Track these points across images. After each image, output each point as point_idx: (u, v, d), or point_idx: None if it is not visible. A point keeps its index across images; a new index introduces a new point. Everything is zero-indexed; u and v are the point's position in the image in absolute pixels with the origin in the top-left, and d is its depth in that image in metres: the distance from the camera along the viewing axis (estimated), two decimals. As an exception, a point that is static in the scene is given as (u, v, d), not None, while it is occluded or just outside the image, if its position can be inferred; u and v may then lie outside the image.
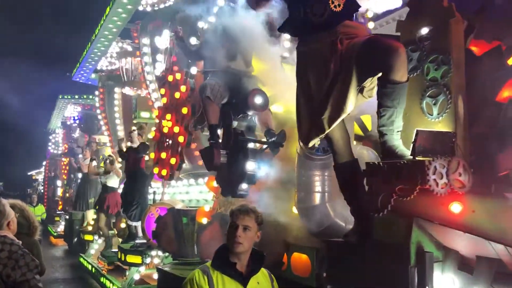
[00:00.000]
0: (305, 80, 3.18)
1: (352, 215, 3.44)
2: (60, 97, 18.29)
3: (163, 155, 6.53)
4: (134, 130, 8.26)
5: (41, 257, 3.86)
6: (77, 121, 17.77)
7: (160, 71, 7.24)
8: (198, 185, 7.27)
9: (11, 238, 3.02)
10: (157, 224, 6.47)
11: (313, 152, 4.35)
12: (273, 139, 4.39)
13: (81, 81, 14.44)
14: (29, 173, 34.17)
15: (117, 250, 8.97)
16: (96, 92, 11.66)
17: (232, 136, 4.52)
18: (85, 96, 17.58)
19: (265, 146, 4.60)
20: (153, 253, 7.40)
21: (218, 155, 4.43)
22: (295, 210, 4.80)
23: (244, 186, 4.38)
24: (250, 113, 4.62)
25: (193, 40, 5.29)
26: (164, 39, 6.99)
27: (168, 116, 6.61)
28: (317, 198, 4.50)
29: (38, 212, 14.17)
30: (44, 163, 25.86)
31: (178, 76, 6.46)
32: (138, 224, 7.71)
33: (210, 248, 5.13)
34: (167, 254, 7.42)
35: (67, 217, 17.52)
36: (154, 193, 7.87)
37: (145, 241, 7.26)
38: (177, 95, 6.40)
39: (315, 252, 4.44)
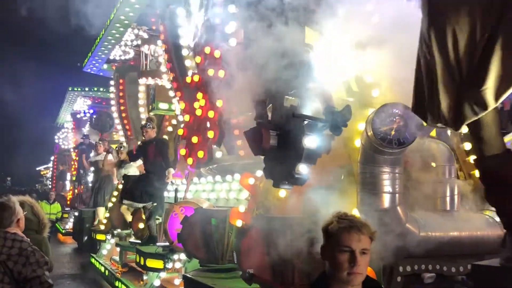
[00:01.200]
0: (442, 39, 2.23)
1: (506, 229, 2.63)
2: (70, 89, 17.62)
3: (194, 139, 5.87)
4: (147, 124, 7.59)
5: (50, 254, 3.83)
6: (87, 114, 17.07)
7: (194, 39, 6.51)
8: (225, 182, 6.55)
9: (20, 235, 3.05)
10: (183, 226, 5.75)
11: (385, 144, 3.61)
12: (335, 117, 3.59)
13: (92, 72, 13.75)
14: (37, 169, 33.65)
15: (134, 241, 8.30)
16: (112, 82, 10.91)
17: (284, 113, 3.74)
18: (95, 89, 16.89)
19: (322, 125, 3.78)
20: (175, 256, 6.69)
21: (268, 136, 3.65)
22: (356, 213, 4.05)
23: (302, 167, 3.58)
24: (308, 86, 3.83)
25: (232, 8, 4.56)
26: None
27: (200, 95, 5.90)
28: (386, 200, 3.76)
29: (53, 210, 13.50)
30: (52, 158, 25.26)
31: (217, 54, 5.67)
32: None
33: (251, 257, 4.40)
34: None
35: (76, 214, 16.91)
36: (176, 190, 7.15)
37: (167, 243, 6.54)
38: (210, 72, 5.67)
39: (382, 267, 3.70)
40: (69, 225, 18.75)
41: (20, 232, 3.13)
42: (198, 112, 5.84)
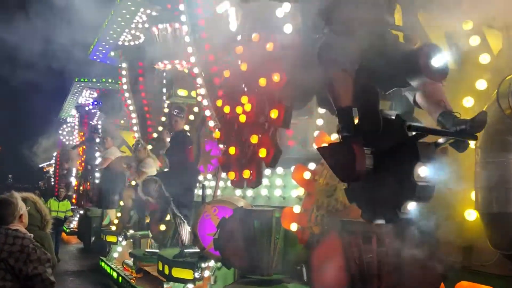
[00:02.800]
0: None
1: None
2: (76, 80, 16.57)
3: (232, 150, 4.62)
4: (177, 113, 6.56)
5: (53, 250, 3.81)
6: (95, 104, 16.03)
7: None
8: (265, 178, 5.57)
9: (23, 231, 3.03)
10: (220, 229, 4.77)
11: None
12: (462, 126, 2.50)
13: (98, 60, 12.73)
14: (40, 165, 32.63)
15: (151, 250, 7.33)
16: (124, 72, 9.86)
17: (379, 123, 2.68)
18: (103, 80, 15.86)
19: (442, 139, 2.64)
20: (203, 264, 5.72)
21: (362, 156, 2.62)
22: (469, 216, 3.07)
23: (410, 205, 2.56)
24: (414, 84, 2.74)
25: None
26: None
27: (245, 99, 4.55)
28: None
29: (62, 207, 12.48)
30: (55, 154, 24.21)
31: (269, 46, 4.33)
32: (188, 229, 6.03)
33: (326, 272, 3.41)
34: (219, 265, 5.74)
35: (82, 212, 15.97)
36: (204, 187, 6.15)
37: (197, 250, 5.57)
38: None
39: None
40: (74, 224, 17.90)
41: (22, 228, 3.09)
42: (242, 118, 4.54)
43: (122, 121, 12.09)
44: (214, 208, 5.34)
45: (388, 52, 2.90)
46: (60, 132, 22.95)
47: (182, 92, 8.17)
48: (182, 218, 5.99)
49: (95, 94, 17.86)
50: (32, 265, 2.87)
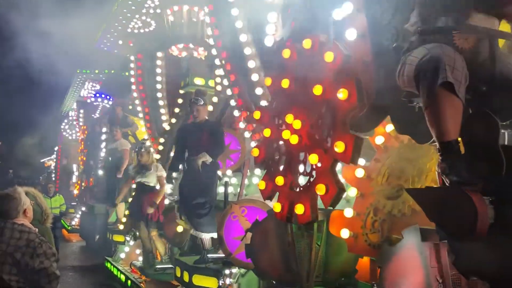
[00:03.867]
0: None
1: None
2: (78, 71, 15.87)
3: (279, 180, 3.51)
4: (197, 99, 5.78)
5: (53, 244, 3.70)
6: (99, 99, 15.36)
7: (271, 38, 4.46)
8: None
9: (28, 226, 3.06)
10: (253, 234, 4.14)
11: None
12: None
13: (105, 49, 12.05)
14: (41, 160, 31.99)
15: (163, 266, 6.69)
16: (133, 61, 9.19)
17: (502, 164, 1.96)
18: (106, 71, 15.18)
19: None
20: (227, 271, 5.10)
21: (484, 209, 1.90)
22: None
23: None
24: None
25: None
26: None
27: (290, 119, 3.39)
28: None
29: (55, 203, 11.87)
30: (56, 148, 23.57)
31: (329, 57, 3.12)
32: (206, 235, 5.36)
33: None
34: (243, 271, 5.12)
35: (84, 209, 15.31)
36: (226, 184, 5.52)
37: (221, 255, 4.93)
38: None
39: None
40: (76, 221, 17.27)
41: (27, 223, 3.09)
42: (294, 140, 3.39)
43: (130, 107, 11.46)
44: (243, 209, 4.71)
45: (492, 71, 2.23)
46: (62, 126, 22.31)
47: (198, 81, 7.53)
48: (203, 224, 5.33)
49: (98, 87, 17.17)
50: (38, 260, 2.89)
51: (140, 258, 9.18)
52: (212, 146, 5.51)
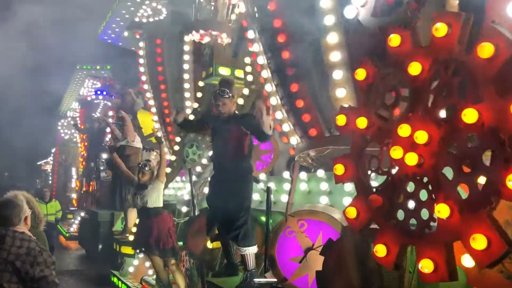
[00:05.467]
0: None
1: None
2: (78, 67, 14.83)
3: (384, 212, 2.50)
4: (224, 91, 4.61)
5: (47, 247, 3.52)
6: (100, 97, 14.28)
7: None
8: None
9: (28, 234, 3.04)
10: (326, 258, 3.15)
11: None
12: None
13: (110, 41, 11.05)
14: (38, 163, 30.80)
15: None
16: (141, 44, 8.17)
17: None
18: (108, 67, 14.14)
19: None
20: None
21: None
22: None
23: None
24: None
25: None
26: None
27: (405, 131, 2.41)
28: None
29: (51, 209, 10.86)
30: (53, 150, 22.45)
31: None
32: (251, 250, 4.29)
33: None
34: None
35: (83, 214, 14.27)
36: (269, 190, 4.51)
37: (272, 279, 3.91)
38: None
39: None
40: (74, 227, 16.23)
41: (27, 231, 3.08)
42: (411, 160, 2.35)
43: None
44: (302, 223, 3.71)
45: None
46: (59, 126, 21.24)
47: (224, 71, 6.53)
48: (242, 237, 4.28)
49: (99, 84, 16.15)
50: (39, 268, 2.89)
51: (150, 272, 8.18)
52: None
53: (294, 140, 4.57)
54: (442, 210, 2.18)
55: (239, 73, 6.58)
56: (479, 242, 1.99)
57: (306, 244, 3.69)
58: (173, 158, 7.40)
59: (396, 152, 2.44)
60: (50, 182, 22.99)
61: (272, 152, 6.43)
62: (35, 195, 15.81)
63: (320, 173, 4.61)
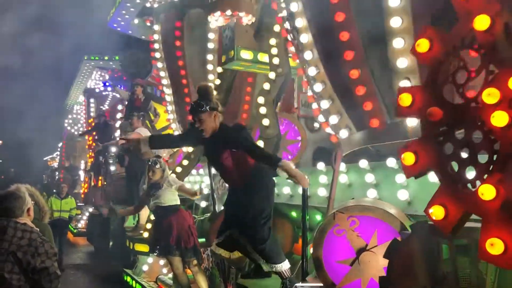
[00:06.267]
0: None
1: None
2: (86, 58, 14.33)
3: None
4: (198, 104, 3.76)
5: (53, 240, 4.01)
6: (108, 89, 13.79)
7: None
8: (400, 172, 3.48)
9: (30, 225, 3.06)
10: (391, 262, 2.65)
11: None
12: None
13: (119, 29, 10.55)
14: (44, 159, 30.46)
15: None
16: (156, 27, 7.61)
17: None
18: (117, 58, 13.64)
19: None
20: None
21: None
22: None
23: None
24: None
25: None
26: None
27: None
28: None
29: (65, 206, 10.41)
30: (60, 144, 22.03)
31: None
32: (285, 266, 3.73)
33: None
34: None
35: (91, 210, 13.85)
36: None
37: (317, 284, 3.42)
38: None
39: None
40: (82, 223, 15.84)
41: (29, 222, 3.10)
42: None
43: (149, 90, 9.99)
44: (353, 220, 3.21)
45: None
46: (66, 121, 20.81)
47: (246, 54, 6.01)
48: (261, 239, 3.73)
49: (107, 76, 15.67)
50: (40, 259, 2.91)
51: (165, 271, 7.72)
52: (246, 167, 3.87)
53: (345, 132, 4.02)
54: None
55: (262, 56, 6.07)
56: None
57: (358, 244, 3.20)
58: (190, 149, 6.90)
59: (499, 118, 1.89)
60: (56, 177, 22.62)
61: (299, 142, 5.95)
62: (43, 190, 15.41)
63: (363, 163, 4.10)
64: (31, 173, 30.70)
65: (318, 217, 4.63)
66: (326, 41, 3.70)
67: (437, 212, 2.16)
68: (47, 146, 28.02)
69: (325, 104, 3.90)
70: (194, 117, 3.74)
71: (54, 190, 11.24)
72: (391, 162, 3.80)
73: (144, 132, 8.14)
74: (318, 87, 3.89)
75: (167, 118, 8.50)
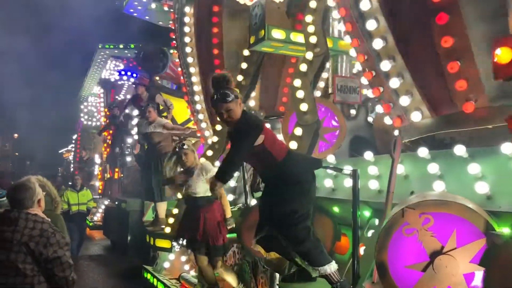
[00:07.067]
0: None
1: None
2: (100, 46, 13.88)
3: None
4: (223, 94, 3.25)
5: (65, 230, 4.01)
6: (124, 78, 13.33)
7: None
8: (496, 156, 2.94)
9: (41, 216, 3.10)
10: (487, 270, 2.15)
11: None
12: None
13: (136, 14, 10.08)
14: (59, 151, 30.33)
15: None
16: (187, 9, 7.03)
17: None
18: (132, 46, 13.18)
19: None
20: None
21: None
22: None
23: None
24: None
25: None
26: None
27: None
28: None
29: (82, 198, 10.05)
30: (74, 137, 21.74)
31: None
32: (332, 268, 3.22)
33: None
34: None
35: (107, 203, 13.51)
36: (355, 175, 3.50)
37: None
38: None
39: None
40: (98, 216, 15.52)
41: (41, 213, 3.14)
42: None
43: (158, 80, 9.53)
44: (426, 217, 2.69)
45: None
46: (80, 112, 20.49)
47: (278, 34, 5.48)
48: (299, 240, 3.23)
49: (121, 66, 15.22)
50: (52, 249, 2.94)
51: (187, 267, 7.29)
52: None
53: (417, 115, 3.48)
54: None
55: (295, 36, 5.54)
56: None
57: (432, 246, 2.68)
58: (215, 139, 6.43)
59: None
60: (71, 169, 22.40)
61: (337, 130, 5.42)
62: (61, 182, 15.06)
63: (422, 152, 3.57)
64: (46, 166, 30.65)
65: (367, 213, 4.12)
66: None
67: None
68: (63, 139, 27.84)
69: (394, 82, 3.36)
70: (221, 109, 3.34)
71: (70, 183, 10.88)
72: (459, 150, 3.27)
73: (160, 124, 7.64)
74: (385, 64, 3.35)
75: (188, 112, 8.05)
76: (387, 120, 3.95)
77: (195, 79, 7.08)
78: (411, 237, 2.75)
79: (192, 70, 7.02)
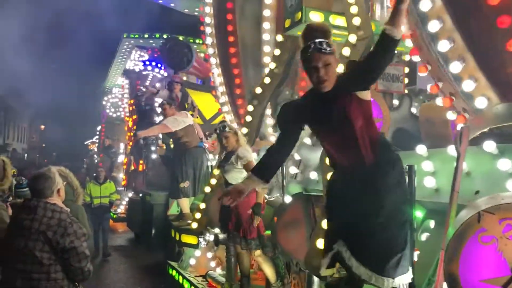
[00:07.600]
0: None
1: None
2: (125, 36, 13.66)
3: None
4: (323, 43, 2.68)
5: (86, 222, 4.23)
6: (149, 67, 13.09)
7: None
8: None
9: (60, 206, 3.14)
10: None
11: None
12: None
13: (161, 1, 9.78)
14: (85, 143, 30.57)
15: None
16: (207, 9, 6.78)
17: None
18: (157, 35, 12.90)
19: None
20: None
21: None
22: None
23: None
24: None
25: None
26: None
27: None
28: None
29: (105, 191, 9.84)
30: (99, 128, 21.73)
31: None
32: (406, 278, 2.69)
33: None
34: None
35: (131, 195, 13.33)
36: (412, 171, 3.06)
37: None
38: None
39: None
40: (122, 208, 15.39)
41: (60, 203, 3.17)
42: None
43: (184, 78, 9.24)
44: (507, 224, 2.26)
45: None
46: (104, 103, 20.43)
47: (316, 16, 5.05)
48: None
49: (146, 56, 14.98)
50: (69, 239, 2.96)
51: (213, 264, 6.98)
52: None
53: (483, 101, 3.01)
54: None
55: (334, 19, 5.11)
56: None
57: (516, 257, 2.26)
58: (244, 130, 6.06)
59: None
60: (95, 161, 22.43)
61: (381, 121, 4.99)
62: (86, 174, 14.89)
63: (489, 146, 3.11)
64: (72, 156, 30.96)
65: (420, 214, 3.68)
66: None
67: None
68: (88, 130, 28.01)
69: (455, 67, 2.91)
70: (317, 62, 2.53)
71: (94, 175, 10.70)
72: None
73: (188, 118, 7.33)
74: (443, 45, 2.90)
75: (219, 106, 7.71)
76: (450, 116, 3.49)
77: (216, 71, 6.78)
78: (489, 246, 2.33)
79: (213, 61, 6.73)
